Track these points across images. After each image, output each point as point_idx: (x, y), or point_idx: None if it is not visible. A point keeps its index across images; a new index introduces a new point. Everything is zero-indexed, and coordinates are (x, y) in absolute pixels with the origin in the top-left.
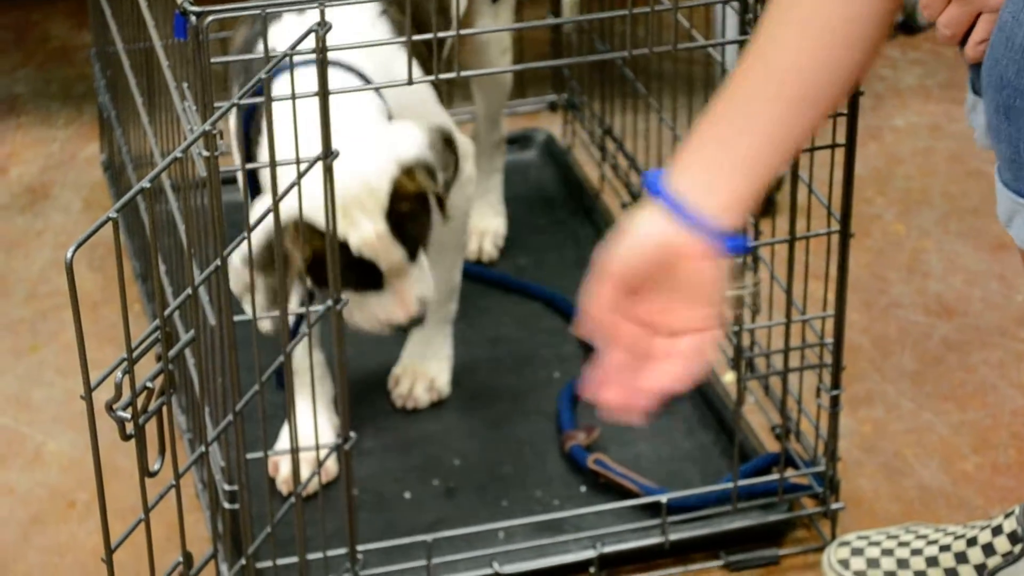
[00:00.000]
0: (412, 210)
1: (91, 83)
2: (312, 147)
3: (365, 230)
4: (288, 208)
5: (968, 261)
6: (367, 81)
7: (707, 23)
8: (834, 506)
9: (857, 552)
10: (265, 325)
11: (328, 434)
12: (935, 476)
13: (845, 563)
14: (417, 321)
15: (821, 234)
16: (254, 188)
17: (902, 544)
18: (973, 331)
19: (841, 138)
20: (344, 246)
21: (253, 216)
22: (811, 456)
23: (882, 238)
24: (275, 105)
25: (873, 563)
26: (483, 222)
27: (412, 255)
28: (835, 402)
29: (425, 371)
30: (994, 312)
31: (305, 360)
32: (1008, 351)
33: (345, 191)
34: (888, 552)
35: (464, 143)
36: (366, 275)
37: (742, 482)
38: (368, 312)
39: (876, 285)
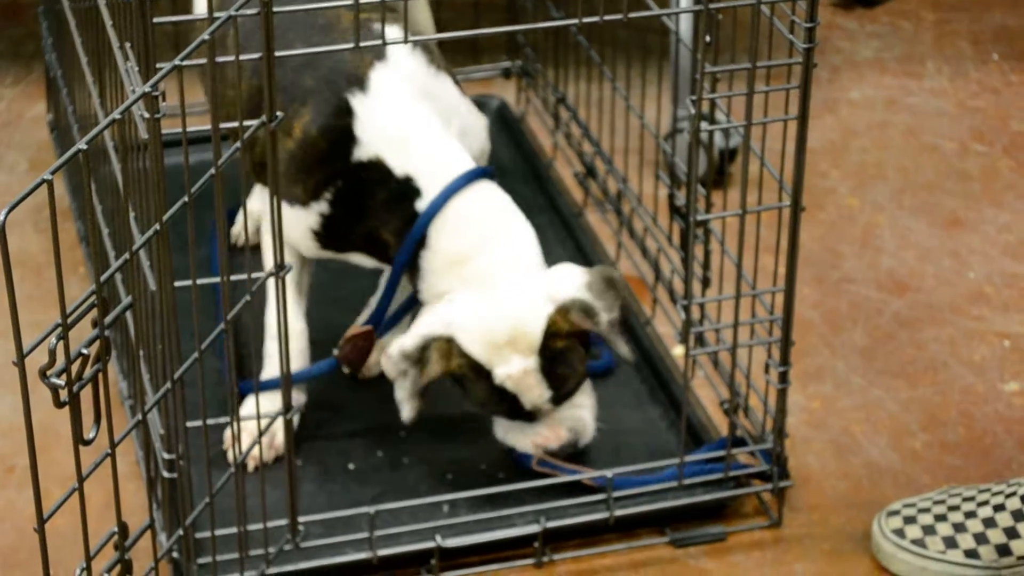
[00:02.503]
0: (566, 348)
1: (40, 42)
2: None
3: (514, 365)
4: (441, 325)
5: (921, 237)
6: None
7: None
8: (782, 484)
9: (910, 520)
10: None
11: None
12: (884, 454)
13: (900, 532)
14: (570, 447)
15: (772, 208)
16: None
17: (952, 508)
18: (925, 308)
19: (794, 111)
20: (484, 378)
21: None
22: (759, 432)
23: (836, 212)
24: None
25: (929, 529)
26: None
27: (563, 395)
28: (783, 378)
29: None
30: (946, 289)
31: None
32: (959, 328)
33: (498, 328)
34: (941, 517)
35: (478, 117)
36: (512, 405)
37: (689, 458)
38: (516, 434)
39: (829, 259)
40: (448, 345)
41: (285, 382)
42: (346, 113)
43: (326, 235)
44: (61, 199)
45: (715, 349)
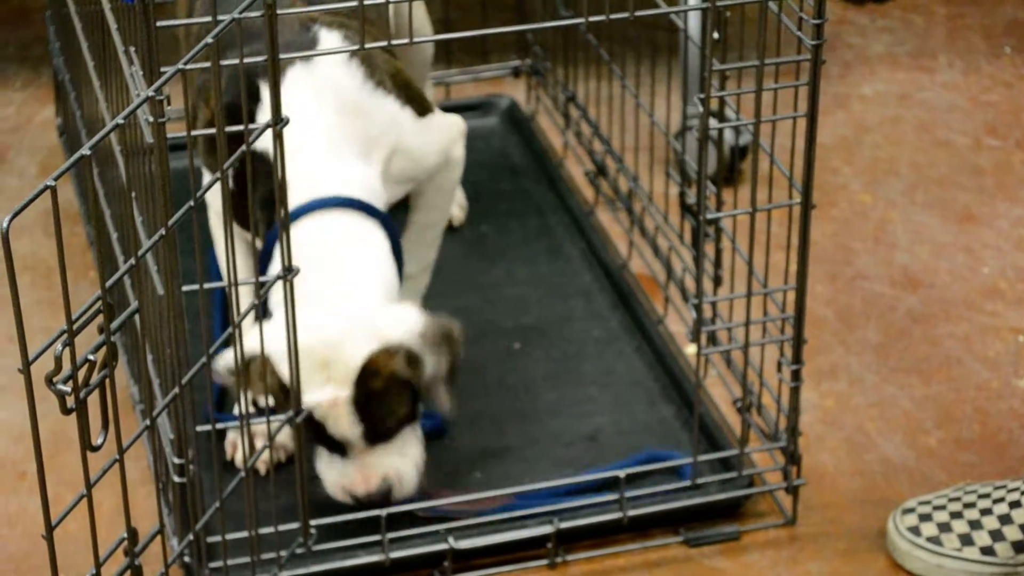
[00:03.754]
0: (384, 389)
1: (48, 45)
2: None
3: (322, 394)
4: (257, 342)
5: (934, 232)
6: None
7: None
8: (795, 482)
9: (925, 518)
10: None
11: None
12: (898, 451)
13: (915, 530)
14: (379, 501)
15: (782, 206)
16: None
17: (968, 506)
18: (938, 304)
19: (804, 107)
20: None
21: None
22: (773, 431)
23: (848, 208)
24: None
25: (944, 527)
26: None
27: (376, 434)
28: (796, 376)
29: None
30: (960, 284)
31: None
32: (973, 324)
33: (313, 353)
34: (957, 515)
35: (456, 123)
36: (325, 439)
37: (703, 457)
38: (329, 469)
39: (842, 256)
40: (263, 365)
41: (293, 385)
42: (254, 99)
43: (235, 211)
44: (70, 204)
45: (727, 348)
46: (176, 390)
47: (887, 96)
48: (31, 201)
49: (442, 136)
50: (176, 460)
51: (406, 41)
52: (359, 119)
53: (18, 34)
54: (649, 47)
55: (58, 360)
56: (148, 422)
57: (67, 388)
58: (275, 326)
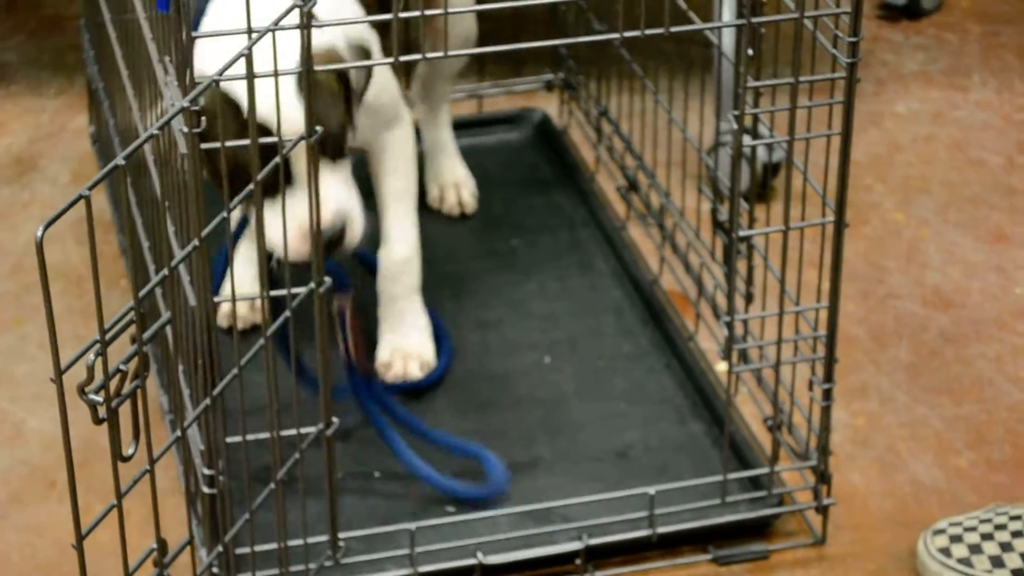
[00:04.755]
0: (322, 84)
1: (82, 53)
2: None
3: (269, 92)
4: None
5: (967, 252)
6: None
7: (707, 2)
8: (825, 501)
9: (956, 539)
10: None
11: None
12: (929, 471)
13: (946, 551)
14: (335, 241)
15: (815, 224)
16: None
17: (999, 527)
18: (970, 324)
19: (838, 125)
20: (244, 117)
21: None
22: (803, 450)
23: (881, 226)
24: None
25: (975, 548)
26: (451, 175)
27: (328, 147)
28: (827, 396)
29: (410, 348)
30: (992, 304)
31: None
32: (1005, 344)
33: (258, 49)
34: (988, 536)
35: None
36: (271, 156)
37: (732, 476)
38: (274, 216)
39: (874, 274)
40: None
41: (324, 395)
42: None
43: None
44: (103, 212)
45: (758, 366)
46: (207, 401)
47: (920, 114)
48: (64, 211)
49: (394, 95)
50: (206, 471)
51: (440, 54)
52: None
53: (52, 42)
54: (682, 62)
55: (90, 370)
56: (179, 433)
57: (99, 398)
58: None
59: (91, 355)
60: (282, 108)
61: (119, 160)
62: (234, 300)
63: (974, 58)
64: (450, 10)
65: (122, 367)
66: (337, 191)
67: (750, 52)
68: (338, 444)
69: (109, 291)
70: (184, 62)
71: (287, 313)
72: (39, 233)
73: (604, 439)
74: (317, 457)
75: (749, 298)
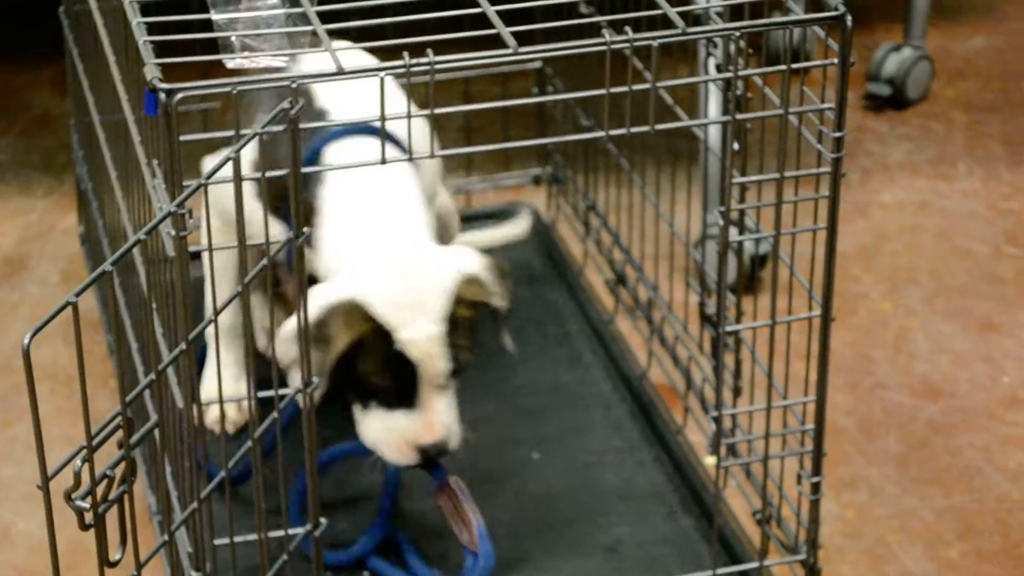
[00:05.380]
0: (467, 321)
1: (71, 153)
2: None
3: (420, 327)
4: (341, 291)
5: (955, 341)
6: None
7: (693, 95)
8: None
9: None
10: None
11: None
12: (919, 563)
13: None
14: (441, 452)
15: (801, 318)
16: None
17: None
18: (959, 413)
19: (824, 219)
20: (385, 345)
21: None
22: (793, 543)
23: (868, 316)
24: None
25: None
26: None
27: (452, 376)
28: (816, 489)
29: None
30: (980, 394)
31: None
32: (994, 434)
33: (407, 287)
34: None
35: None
36: (401, 383)
37: (722, 570)
38: (390, 427)
39: (862, 365)
40: (352, 310)
41: (313, 498)
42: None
43: None
44: (91, 311)
45: (747, 461)
46: (194, 504)
47: (907, 204)
48: (52, 318)
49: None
50: (194, 574)
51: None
52: None
53: (42, 142)
54: (669, 154)
55: (77, 475)
56: (166, 537)
57: (86, 504)
58: (362, 271)
59: (78, 461)
60: (426, 342)
61: (107, 266)
62: (221, 402)
63: (959, 147)
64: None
65: (109, 472)
66: (446, 412)
67: (736, 147)
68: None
69: (98, 391)
70: (172, 165)
71: (274, 414)
72: (26, 341)
73: (593, 534)
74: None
75: (737, 391)
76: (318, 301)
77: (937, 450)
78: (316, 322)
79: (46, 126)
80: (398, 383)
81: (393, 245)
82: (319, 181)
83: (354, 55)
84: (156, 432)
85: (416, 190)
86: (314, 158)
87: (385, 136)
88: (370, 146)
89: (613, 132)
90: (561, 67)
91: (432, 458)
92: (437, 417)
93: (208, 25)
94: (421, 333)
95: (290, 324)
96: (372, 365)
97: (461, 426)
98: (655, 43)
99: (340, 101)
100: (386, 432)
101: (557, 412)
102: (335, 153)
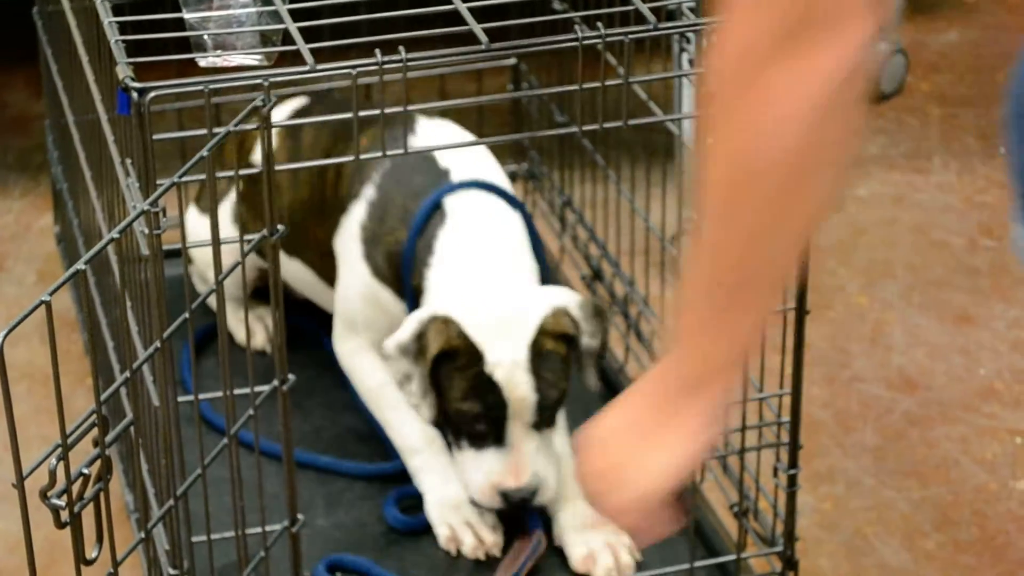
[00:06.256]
0: (553, 353)
1: (47, 154)
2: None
3: (506, 351)
4: (438, 308)
5: (931, 334)
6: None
7: (668, 90)
8: None
9: None
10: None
11: None
12: (896, 554)
13: None
14: (525, 499)
15: (776, 311)
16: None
17: None
18: (935, 405)
19: None
20: (474, 368)
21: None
22: (770, 535)
23: (844, 310)
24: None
25: None
26: None
27: (542, 417)
28: (792, 481)
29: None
30: (957, 386)
31: None
32: (970, 426)
33: (496, 312)
34: None
35: None
36: (490, 413)
37: (700, 563)
38: (478, 466)
39: (838, 358)
40: (445, 323)
41: (290, 490)
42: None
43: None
44: (68, 311)
45: (724, 454)
46: (171, 502)
47: (882, 197)
48: (26, 316)
49: None
50: (171, 571)
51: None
52: None
53: (18, 142)
54: (645, 150)
55: (52, 474)
56: (143, 534)
57: (62, 502)
58: (456, 293)
59: (53, 459)
60: (512, 366)
61: (80, 265)
62: (196, 400)
63: (935, 141)
64: None
65: (85, 471)
66: (536, 457)
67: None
68: (304, 540)
69: (74, 390)
70: (145, 164)
71: (251, 411)
72: (0, 340)
73: None
74: (283, 554)
75: None
76: (418, 315)
77: (914, 442)
78: (414, 334)
79: (21, 127)
80: (487, 413)
81: (492, 280)
82: (439, 223)
83: (449, 130)
84: (132, 430)
85: (523, 238)
86: (434, 207)
87: (493, 189)
88: (482, 197)
89: (586, 127)
90: (536, 64)
91: (515, 505)
92: (524, 459)
93: (181, 24)
94: (507, 357)
95: (393, 339)
96: (460, 389)
97: (555, 479)
98: (627, 39)
99: (459, 161)
100: (474, 471)
101: None
102: (453, 202)
